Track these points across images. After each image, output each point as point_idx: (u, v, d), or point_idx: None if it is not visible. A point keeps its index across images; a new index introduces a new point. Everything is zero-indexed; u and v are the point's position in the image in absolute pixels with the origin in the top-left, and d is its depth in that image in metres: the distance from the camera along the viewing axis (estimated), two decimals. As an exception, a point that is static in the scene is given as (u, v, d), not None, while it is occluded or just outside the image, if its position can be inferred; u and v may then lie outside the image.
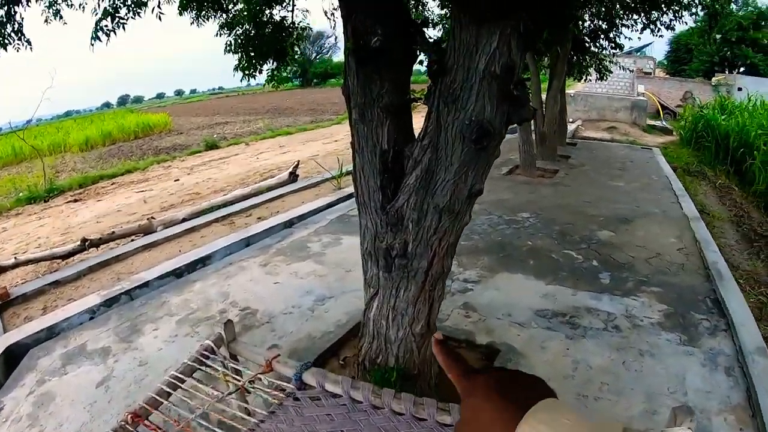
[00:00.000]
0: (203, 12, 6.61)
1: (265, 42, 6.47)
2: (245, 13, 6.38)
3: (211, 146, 22.56)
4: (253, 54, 6.62)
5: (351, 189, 11.78)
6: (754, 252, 9.10)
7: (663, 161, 16.71)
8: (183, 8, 6.42)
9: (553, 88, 15.30)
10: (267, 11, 6.45)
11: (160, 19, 6.20)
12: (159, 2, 5.90)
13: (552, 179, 13.62)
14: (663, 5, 11.66)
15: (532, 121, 14.41)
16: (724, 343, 5.67)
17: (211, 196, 13.04)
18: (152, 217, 10.17)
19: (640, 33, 15.20)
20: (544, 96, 15.62)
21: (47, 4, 5.59)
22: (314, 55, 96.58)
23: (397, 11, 3.96)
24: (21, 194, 15.99)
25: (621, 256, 8.22)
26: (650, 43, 40.17)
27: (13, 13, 5.10)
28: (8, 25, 5.11)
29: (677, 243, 8.82)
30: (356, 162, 4.26)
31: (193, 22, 6.61)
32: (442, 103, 3.51)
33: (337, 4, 4.30)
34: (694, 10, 11.72)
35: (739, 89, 31.51)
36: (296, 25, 6.59)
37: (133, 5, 5.79)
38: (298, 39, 6.70)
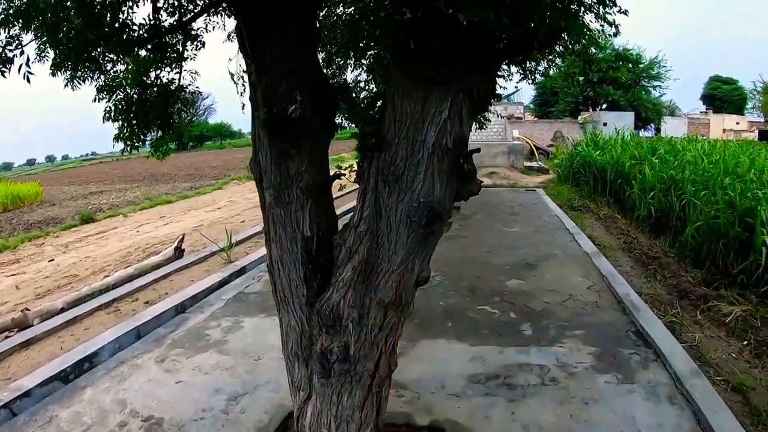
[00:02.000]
0: (79, 73, 5.58)
1: (150, 108, 5.56)
2: (129, 75, 5.44)
3: (87, 220, 20.47)
4: (135, 122, 5.68)
5: (243, 262, 10.67)
6: (650, 274, 9.22)
7: (549, 201, 17.03)
8: (57, 68, 5.34)
9: None
10: (153, 73, 5.56)
11: (28, 81, 5.10)
12: (27, 60, 4.78)
13: (448, 232, 13.20)
14: (540, 56, 11.89)
15: None
16: (658, 372, 5.65)
17: (90, 278, 11.49)
18: (27, 309, 8.62)
19: (517, 83, 15.59)
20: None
21: None
22: (190, 117, 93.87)
23: (318, 72, 3.33)
24: None
25: (536, 303, 7.94)
26: (518, 90, 42.51)
27: None
28: None
29: (585, 281, 8.73)
30: (272, 253, 3.50)
31: (67, 85, 5.53)
32: (381, 183, 2.86)
33: (245, 65, 3.56)
34: (569, 57, 12.06)
35: (605, 124, 34.05)
36: (185, 89, 5.74)
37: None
38: (186, 104, 5.85)
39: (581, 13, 3.11)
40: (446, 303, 8.17)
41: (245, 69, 3.60)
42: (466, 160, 2.84)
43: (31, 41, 4.34)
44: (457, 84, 2.64)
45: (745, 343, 6.40)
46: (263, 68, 3.21)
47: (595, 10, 3.02)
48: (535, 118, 46.30)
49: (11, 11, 4.23)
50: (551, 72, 13.22)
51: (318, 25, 3.92)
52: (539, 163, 28.64)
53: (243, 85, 4.30)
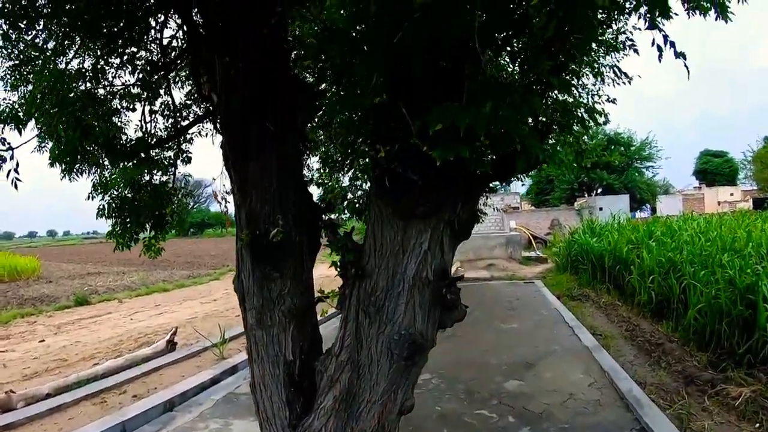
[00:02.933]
0: (76, 166, 5.63)
1: (143, 209, 5.58)
2: (120, 177, 5.48)
3: (82, 302, 20.27)
4: (129, 221, 5.69)
5: (235, 360, 10.33)
6: (654, 362, 8.94)
7: (548, 293, 16.79)
8: (54, 160, 5.37)
9: None
10: (146, 176, 5.61)
11: (15, 187, 5.11)
12: (17, 166, 4.76)
13: (444, 332, 12.95)
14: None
15: None
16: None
17: (79, 363, 11.22)
18: (12, 391, 8.37)
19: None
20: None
21: None
22: (191, 204, 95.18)
23: (301, 195, 3.33)
24: None
25: (535, 405, 7.63)
26: (513, 180, 43.05)
27: None
28: None
29: (586, 378, 8.44)
30: (255, 373, 3.38)
31: (63, 177, 5.56)
32: (362, 314, 2.78)
33: (228, 186, 3.57)
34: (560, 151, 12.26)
35: (600, 209, 34.24)
36: (177, 191, 5.78)
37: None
38: (180, 206, 5.88)
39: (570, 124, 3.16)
40: (442, 408, 7.86)
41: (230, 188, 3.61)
42: (449, 290, 2.77)
43: (25, 142, 4.42)
44: (437, 214, 2.62)
45: (757, 425, 6.14)
46: (245, 190, 3.21)
47: (582, 121, 3.06)
48: (532, 207, 46.81)
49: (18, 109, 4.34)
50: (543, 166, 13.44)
51: (307, 138, 3.95)
52: (537, 252, 28.50)
53: (227, 203, 4.30)
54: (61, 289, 25.70)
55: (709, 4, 2.68)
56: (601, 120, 3.72)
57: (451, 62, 2.17)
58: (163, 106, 5.50)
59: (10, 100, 5.01)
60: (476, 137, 2.09)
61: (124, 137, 4.88)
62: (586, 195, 44.84)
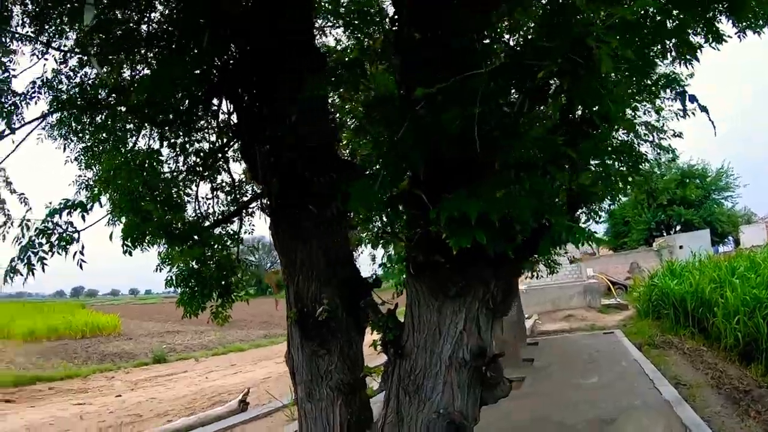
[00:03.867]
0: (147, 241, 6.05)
1: (208, 280, 5.89)
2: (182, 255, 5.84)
3: (159, 359, 21.18)
4: (196, 290, 6.02)
5: None
6: (743, 411, 8.38)
7: (628, 343, 16.00)
8: (126, 236, 5.75)
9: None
10: (210, 250, 5.95)
11: (81, 267, 5.54)
12: (83, 248, 5.18)
13: (520, 389, 12.50)
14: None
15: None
16: None
17: (153, 420, 11.69)
18: None
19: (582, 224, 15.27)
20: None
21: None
22: (269, 264, 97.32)
23: (348, 272, 3.48)
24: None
25: (613, 466, 7.30)
26: (588, 224, 41.86)
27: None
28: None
29: (667, 435, 8.02)
30: (304, 448, 3.50)
31: (126, 253, 5.95)
32: (402, 392, 2.84)
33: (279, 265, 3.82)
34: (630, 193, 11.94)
35: (680, 247, 32.63)
36: (242, 262, 6.08)
37: (59, 242, 5.15)
38: (244, 279, 6.16)
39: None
40: (515, 472, 7.67)
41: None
42: (490, 368, 2.80)
43: (91, 225, 4.83)
44: (470, 293, 2.69)
45: None
46: (293, 269, 3.39)
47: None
48: (610, 251, 44.98)
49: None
50: (614, 208, 13.06)
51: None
52: (617, 299, 27.24)
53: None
54: (140, 346, 26.84)
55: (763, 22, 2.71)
56: (668, 156, 3.70)
57: (463, 150, 2.27)
58: (222, 183, 5.86)
59: (85, 176, 5.63)
60: (491, 222, 2.17)
61: (185, 216, 5.23)
62: (664, 234, 42.87)
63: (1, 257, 4.59)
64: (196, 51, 3.63)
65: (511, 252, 2.33)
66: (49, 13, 4.51)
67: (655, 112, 9.05)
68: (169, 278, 5.99)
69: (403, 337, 2.90)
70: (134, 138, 4.83)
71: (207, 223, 5.43)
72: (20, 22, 4.72)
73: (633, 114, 7.49)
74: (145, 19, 4.55)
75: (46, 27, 4.72)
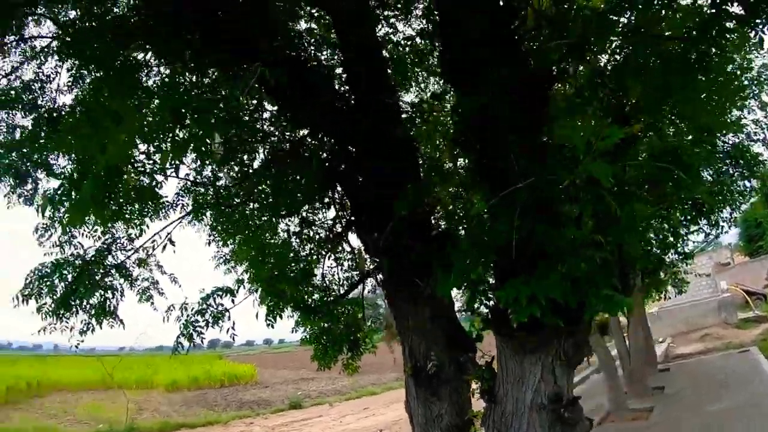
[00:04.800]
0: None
1: (338, 336, 7.00)
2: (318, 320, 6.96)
3: (295, 405, 22.69)
4: (328, 346, 7.14)
5: None
6: None
7: (764, 361, 15.27)
8: (268, 314, 7.02)
9: (633, 318, 14.72)
10: (340, 308, 7.04)
11: (233, 340, 6.91)
12: (233, 325, 6.48)
13: (648, 420, 12.43)
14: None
15: (618, 360, 13.89)
16: None
17: (293, 461, 12.87)
18: None
19: (705, 238, 14.66)
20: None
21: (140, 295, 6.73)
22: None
23: (454, 330, 4.38)
24: (100, 426, 16.30)
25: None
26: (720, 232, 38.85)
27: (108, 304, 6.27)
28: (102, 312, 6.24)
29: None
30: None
31: (269, 326, 7.18)
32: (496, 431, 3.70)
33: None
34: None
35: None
36: (368, 321, 7.15)
37: (213, 320, 6.50)
38: (372, 332, 7.23)
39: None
40: None
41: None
42: (568, 410, 3.54)
43: (238, 303, 6.15)
44: (544, 349, 3.49)
45: None
46: (406, 330, 4.36)
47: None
48: (745, 258, 41.26)
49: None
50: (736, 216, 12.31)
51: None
52: (755, 311, 25.29)
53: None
54: (276, 393, 28.56)
55: None
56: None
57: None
58: (346, 253, 6.99)
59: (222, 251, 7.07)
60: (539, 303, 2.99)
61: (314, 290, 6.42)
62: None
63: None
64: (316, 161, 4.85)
65: (561, 322, 3.13)
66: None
67: (760, 109, 9.03)
68: (304, 337, 7.23)
69: (495, 386, 3.75)
70: (265, 229, 6.15)
71: (333, 296, 6.54)
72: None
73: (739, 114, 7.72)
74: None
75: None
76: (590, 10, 4.09)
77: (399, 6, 7.09)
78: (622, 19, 3.90)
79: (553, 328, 3.41)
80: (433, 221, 4.91)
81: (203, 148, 3.72)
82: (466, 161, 4.42)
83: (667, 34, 3.75)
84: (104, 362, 25.19)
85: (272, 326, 6.27)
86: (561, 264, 3.03)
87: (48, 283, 6.21)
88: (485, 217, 3.28)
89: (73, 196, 4.13)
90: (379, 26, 6.94)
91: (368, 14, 5.97)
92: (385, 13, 7.12)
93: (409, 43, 7.15)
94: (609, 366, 12.91)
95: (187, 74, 5.46)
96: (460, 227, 4.29)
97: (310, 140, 5.51)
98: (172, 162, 4.46)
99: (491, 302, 3.66)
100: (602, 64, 4.27)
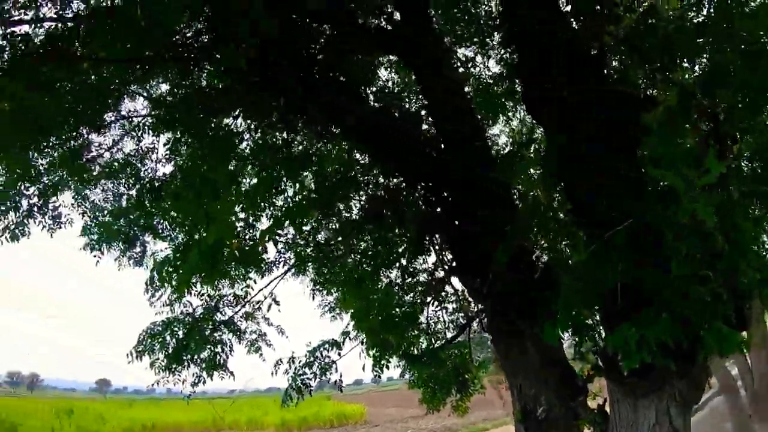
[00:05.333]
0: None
1: (446, 379, 7.07)
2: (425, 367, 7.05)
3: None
4: (436, 389, 7.22)
5: None
6: None
7: None
8: (375, 365, 7.17)
9: (757, 336, 13.68)
10: (447, 352, 7.11)
11: (341, 391, 7.15)
12: (341, 376, 6.67)
13: None
14: None
15: (739, 380, 13.01)
16: None
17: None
18: None
19: None
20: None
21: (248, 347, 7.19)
22: None
23: (564, 372, 4.35)
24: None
25: None
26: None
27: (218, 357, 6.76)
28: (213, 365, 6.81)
29: None
30: None
31: (379, 375, 7.30)
32: (611, 477, 3.63)
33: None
34: None
35: None
36: (475, 360, 7.20)
37: (320, 371, 6.71)
38: (481, 366, 7.26)
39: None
40: None
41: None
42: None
43: (346, 353, 6.36)
44: (657, 392, 3.40)
45: None
46: (515, 373, 4.37)
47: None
48: None
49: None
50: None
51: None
52: None
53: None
54: (385, 432, 28.58)
55: None
56: None
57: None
58: (449, 295, 7.07)
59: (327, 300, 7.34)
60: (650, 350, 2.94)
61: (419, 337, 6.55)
62: None
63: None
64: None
65: (673, 364, 3.06)
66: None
67: None
68: (411, 381, 7.36)
69: (608, 431, 3.68)
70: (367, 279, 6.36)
71: (439, 342, 6.63)
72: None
73: None
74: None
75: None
76: (667, 21, 4.05)
77: (476, 41, 7.23)
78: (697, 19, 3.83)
79: (666, 370, 3.33)
80: (534, 259, 4.94)
81: (301, 221, 3.95)
82: (562, 200, 4.43)
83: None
84: (215, 405, 26.18)
85: (379, 376, 6.45)
86: (669, 305, 2.97)
87: (160, 340, 6.70)
88: (587, 260, 3.28)
89: (180, 268, 4.48)
90: (458, 63, 7.10)
91: (446, 53, 6.12)
92: (464, 51, 7.29)
93: (491, 78, 7.27)
94: (730, 387, 12.08)
95: (277, 134, 5.85)
96: (563, 269, 4.31)
97: (404, 188, 5.71)
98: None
99: (600, 345, 3.64)
100: (690, 80, 4.19)
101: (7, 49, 6.41)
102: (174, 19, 4.78)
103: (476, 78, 7.50)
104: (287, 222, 4.00)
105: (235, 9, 4.25)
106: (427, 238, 5.69)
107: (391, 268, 6.41)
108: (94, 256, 8.56)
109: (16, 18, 6.53)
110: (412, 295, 6.56)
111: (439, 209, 5.18)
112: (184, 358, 6.70)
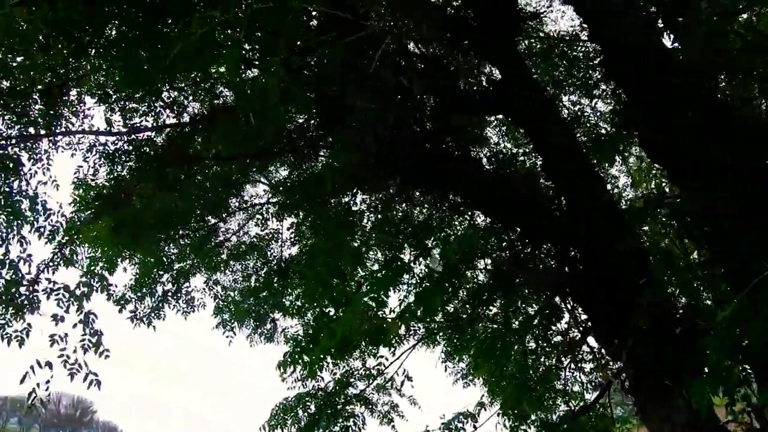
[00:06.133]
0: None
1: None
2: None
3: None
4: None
5: None
6: None
7: None
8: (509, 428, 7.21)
9: None
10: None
11: None
12: None
13: None
14: None
15: None
16: None
17: None
18: None
19: None
20: None
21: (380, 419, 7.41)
22: None
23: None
24: None
25: None
26: None
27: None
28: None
29: None
30: None
31: None
32: None
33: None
34: None
35: None
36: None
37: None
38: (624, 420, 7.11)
39: None
40: None
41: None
42: None
43: None
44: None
45: None
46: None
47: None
48: None
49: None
50: None
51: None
52: None
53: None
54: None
55: None
56: None
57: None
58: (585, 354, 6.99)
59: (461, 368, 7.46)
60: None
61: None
62: None
63: None
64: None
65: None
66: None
67: None
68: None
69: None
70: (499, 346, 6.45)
71: (577, 407, 6.56)
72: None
73: None
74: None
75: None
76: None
77: (579, 84, 7.31)
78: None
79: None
80: (675, 314, 4.87)
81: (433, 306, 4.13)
82: (700, 256, 4.41)
83: None
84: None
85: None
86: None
87: (292, 414, 7.01)
88: (732, 314, 3.28)
89: (311, 352, 4.76)
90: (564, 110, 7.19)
91: (550, 103, 6.19)
92: (570, 97, 7.37)
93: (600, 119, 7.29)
94: None
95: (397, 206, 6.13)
96: (706, 325, 4.26)
97: (531, 251, 5.80)
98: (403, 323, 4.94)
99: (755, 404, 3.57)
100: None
101: (134, 154, 7.27)
102: (284, 117, 5.21)
103: (585, 121, 7.55)
104: (419, 309, 4.18)
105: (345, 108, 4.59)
106: (560, 300, 5.71)
107: (524, 334, 6.45)
108: (227, 336, 9.23)
109: (139, 125, 7.41)
110: (545, 358, 6.55)
111: (567, 269, 5.23)
112: (316, 432, 6.97)
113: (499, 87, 6.00)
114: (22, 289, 5.88)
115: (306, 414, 7.04)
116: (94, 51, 5.97)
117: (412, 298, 5.35)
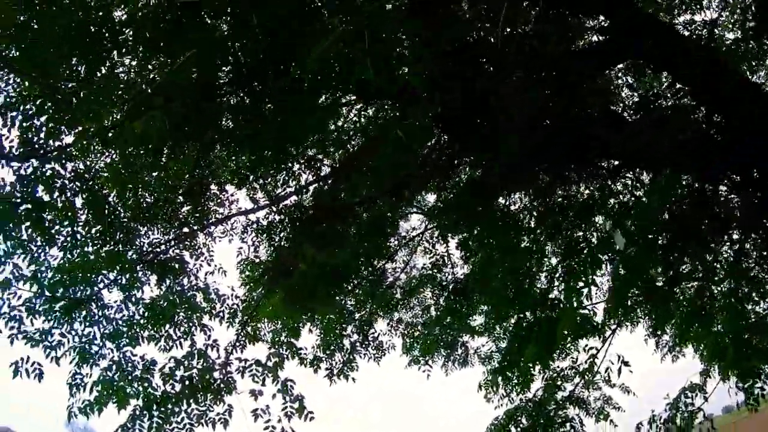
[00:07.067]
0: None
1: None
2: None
3: None
4: None
5: None
6: None
7: None
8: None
9: None
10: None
11: None
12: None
13: None
14: None
15: None
16: None
17: None
18: None
19: None
20: None
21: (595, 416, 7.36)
22: None
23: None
24: None
25: None
26: None
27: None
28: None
29: None
30: None
31: None
32: None
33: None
34: None
35: None
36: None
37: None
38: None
39: None
40: None
41: None
42: None
43: None
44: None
45: None
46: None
47: None
48: None
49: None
50: None
51: None
52: None
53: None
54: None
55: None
56: None
57: None
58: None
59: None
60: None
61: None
62: None
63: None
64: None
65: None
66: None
67: None
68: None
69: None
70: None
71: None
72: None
73: None
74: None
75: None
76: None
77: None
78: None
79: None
80: None
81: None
82: None
83: None
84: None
85: (756, 409, 5.97)
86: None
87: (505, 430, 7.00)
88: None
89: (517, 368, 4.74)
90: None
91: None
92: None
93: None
94: None
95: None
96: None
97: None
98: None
99: None
100: None
101: (286, 221, 7.67)
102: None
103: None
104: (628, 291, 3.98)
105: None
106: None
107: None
108: (423, 371, 9.37)
109: (282, 192, 7.83)
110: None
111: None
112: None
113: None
114: (216, 374, 6.36)
115: (519, 429, 6.98)
116: (219, 145, 6.40)
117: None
